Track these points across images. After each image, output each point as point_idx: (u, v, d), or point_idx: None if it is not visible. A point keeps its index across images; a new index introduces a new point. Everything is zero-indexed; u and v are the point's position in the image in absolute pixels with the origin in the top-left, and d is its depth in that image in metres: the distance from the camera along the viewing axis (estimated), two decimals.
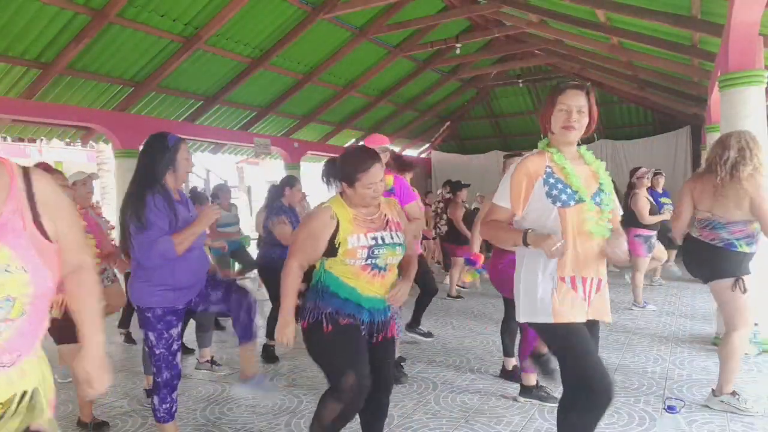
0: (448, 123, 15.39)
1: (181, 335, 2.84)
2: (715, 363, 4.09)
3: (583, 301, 2.16)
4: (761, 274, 4.43)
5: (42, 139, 12.04)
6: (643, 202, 5.98)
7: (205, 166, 21.46)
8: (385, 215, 2.38)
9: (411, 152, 15.74)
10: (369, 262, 2.26)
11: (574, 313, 2.14)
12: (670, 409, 3.26)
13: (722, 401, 3.26)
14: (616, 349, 4.61)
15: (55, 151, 15.01)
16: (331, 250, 2.27)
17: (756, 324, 4.28)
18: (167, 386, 2.73)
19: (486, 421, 3.25)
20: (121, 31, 6.63)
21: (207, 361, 4.46)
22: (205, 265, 2.87)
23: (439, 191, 9.27)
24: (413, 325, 5.00)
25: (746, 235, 3.17)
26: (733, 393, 3.25)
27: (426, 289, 4.80)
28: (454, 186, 7.79)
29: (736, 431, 3.00)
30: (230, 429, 3.33)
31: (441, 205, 8.22)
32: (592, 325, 2.23)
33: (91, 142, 9.02)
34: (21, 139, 13.35)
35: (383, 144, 3.63)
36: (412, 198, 3.61)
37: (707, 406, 3.32)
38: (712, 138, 7.58)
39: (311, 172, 11.89)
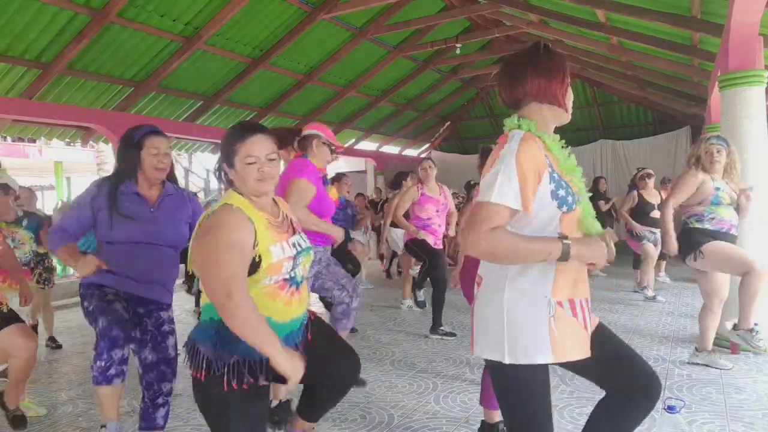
0: (448, 123, 15.41)
1: (119, 298, 2.55)
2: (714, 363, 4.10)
3: (584, 330, 1.70)
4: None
5: (42, 139, 12.05)
6: (628, 197, 6.60)
7: (205, 166, 21.52)
8: (287, 215, 1.98)
9: (411, 152, 15.75)
10: (288, 275, 1.83)
11: (575, 348, 1.66)
12: (670, 409, 3.26)
13: (738, 335, 3.74)
14: None
15: (54, 150, 14.97)
16: (252, 267, 1.75)
17: (756, 324, 4.29)
18: (104, 337, 2.40)
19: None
20: (121, 31, 6.63)
21: None
22: (160, 274, 2.63)
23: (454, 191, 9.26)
24: (435, 326, 5.07)
25: (694, 213, 3.89)
26: (751, 330, 3.67)
27: (437, 286, 4.96)
28: (467, 186, 7.82)
29: (736, 431, 3.00)
30: None
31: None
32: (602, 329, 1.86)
33: (91, 142, 9.02)
34: (21, 139, 13.35)
35: (337, 143, 3.58)
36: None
37: (727, 339, 4.06)
38: None
39: None
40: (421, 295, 6.03)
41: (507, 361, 1.62)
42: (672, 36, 6.57)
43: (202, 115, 9.17)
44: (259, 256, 1.75)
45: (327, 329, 2.22)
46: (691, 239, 3.82)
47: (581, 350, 1.68)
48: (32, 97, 6.91)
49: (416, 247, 5.40)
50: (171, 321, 2.69)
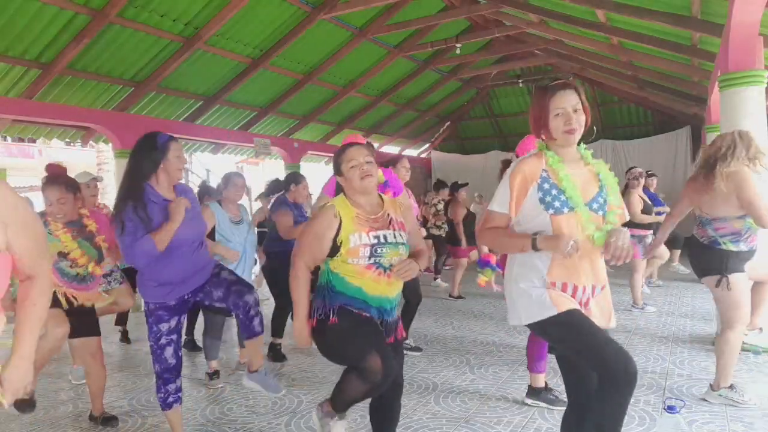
0: (448, 123, 15.40)
1: (175, 332, 2.84)
2: (716, 363, 4.10)
3: (578, 304, 2.10)
4: (763, 275, 4.44)
5: (42, 139, 12.03)
6: (635, 200, 6.04)
7: (205, 166, 21.48)
8: (389, 214, 2.38)
9: (411, 152, 15.74)
10: (372, 261, 2.25)
11: (574, 304, 2.07)
12: (670, 409, 3.26)
13: (720, 395, 3.34)
14: None
15: (54, 150, 14.98)
16: (334, 250, 2.27)
17: (761, 329, 4.27)
18: (159, 378, 2.85)
19: (486, 421, 3.25)
20: (121, 31, 6.63)
21: (211, 372, 4.21)
22: (199, 262, 2.85)
23: (430, 194, 9.23)
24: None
25: (730, 232, 3.23)
26: (731, 386, 3.33)
27: (412, 298, 4.55)
28: (453, 186, 7.81)
29: (736, 431, 3.00)
30: (230, 429, 3.33)
31: (440, 205, 8.17)
32: None
33: (91, 142, 9.02)
34: (21, 139, 13.35)
35: (360, 141, 3.58)
36: (401, 190, 3.70)
37: (705, 400, 3.38)
38: (712, 138, 7.58)
39: (311, 172, 11.88)
40: (411, 341, 4.89)
41: (523, 322, 2.12)
42: (672, 36, 6.57)
43: (202, 115, 9.16)
44: (341, 242, 2.25)
45: (400, 356, 2.52)
46: (726, 263, 3.22)
47: (577, 306, 2.07)
48: (32, 97, 6.90)
49: None
50: (217, 274, 2.95)
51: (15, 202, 1.41)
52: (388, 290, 2.33)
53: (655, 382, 3.80)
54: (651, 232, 6.01)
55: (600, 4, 6.11)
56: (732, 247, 3.22)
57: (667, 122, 12.83)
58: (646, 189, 6.50)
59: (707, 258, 3.31)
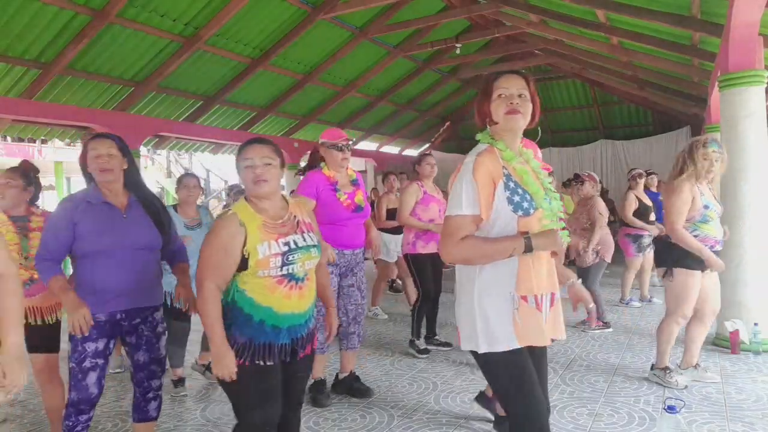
0: (448, 123, 15.40)
1: (101, 356, 2.44)
2: (715, 363, 4.10)
3: (544, 322, 1.92)
4: (761, 274, 4.45)
5: (43, 139, 12.05)
6: (630, 200, 6.18)
7: (205, 166, 21.51)
8: (295, 216, 2.17)
9: (411, 152, 15.74)
10: (285, 271, 2.04)
11: (537, 335, 1.89)
12: (670, 409, 3.25)
13: (654, 374, 3.77)
14: (616, 349, 4.61)
15: (54, 150, 14.98)
16: (242, 263, 2.02)
17: (756, 324, 4.31)
18: (73, 406, 2.44)
19: (486, 421, 3.25)
20: (121, 31, 6.63)
21: (203, 364, 4.14)
22: (142, 274, 2.51)
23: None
24: (430, 336, 4.85)
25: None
26: (665, 369, 3.71)
27: (433, 288, 4.62)
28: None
29: (736, 431, 3.01)
30: (230, 429, 3.32)
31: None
32: (540, 350, 2.00)
33: None
34: (21, 139, 13.35)
35: (341, 137, 3.49)
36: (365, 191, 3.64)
37: (647, 379, 3.83)
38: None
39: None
40: (423, 342, 4.77)
41: (481, 350, 1.88)
42: (672, 36, 6.57)
43: (202, 115, 9.16)
44: (248, 253, 2.01)
45: (305, 370, 2.30)
46: (672, 255, 3.56)
47: (542, 338, 1.92)
48: (32, 97, 6.91)
49: (415, 267, 4.68)
50: (162, 320, 2.67)
51: None
52: (299, 304, 2.11)
53: (655, 382, 3.79)
54: (648, 232, 6.07)
55: (600, 4, 6.11)
56: (681, 244, 3.51)
57: (667, 122, 12.84)
58: (647, 189, 6.53)
59: (660, 249, 3.78)
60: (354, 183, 3.57)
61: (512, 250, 1.81)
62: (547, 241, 1.83)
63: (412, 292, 5.38)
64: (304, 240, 2.12)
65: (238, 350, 2.04)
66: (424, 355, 4.59)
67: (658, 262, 3.76)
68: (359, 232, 3.56)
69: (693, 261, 3.49)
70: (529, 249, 1.81)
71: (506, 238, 1.83)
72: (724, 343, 4.45)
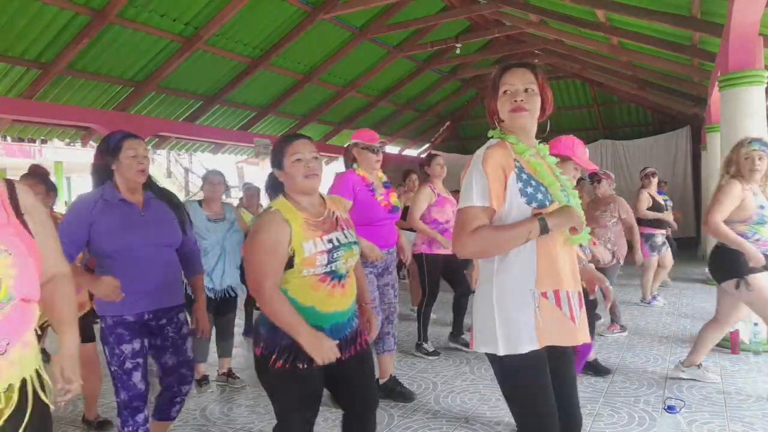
0: (448, 123, 15.41)
1: (140, 354, 2.45)
2: (715, 363, 4.10)
3: (570, 321, 1.79)
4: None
5: (43, 139, 12.05)
6: (644, 198, 6.20)
7: (205, 166, 21.53)
8: (334, 213, 2.13)
9: (411, 152, 15.75)
10: (329, 268, 2.00)
11: (561, 335, 1.78)
12: (670, 409, 3.26)
13: (683, 370, 3.81)
14: (616, 348, 4.61)
15: (54, 150, 14.99)
16: (288, 262, 1.97)
17: (756, 324, 4.30)
18: (126, 408, 2.45)
19: (486, 421, 3.25)
20: (121, 31, 6.64)
21: (224, 373, 4.13)
22: (166, 273, 2.52)
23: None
24: (456, 334, 4.88)
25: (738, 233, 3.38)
26: (699, 365, 3.76)
27: (460, 290, 4.72)
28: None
29: (736, 431, 3.01)
30: (230, 429, 3.33)
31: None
32: (566, 354, 1.89)
33: (91, 142, 9.02)
34: (21, 139, 13.35)
35: (376, 139, 3.50)
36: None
37: (679, 377, 3.82)
38: (712, 138, 7.59)
39: None
40: (430, 345, 4.73)
41: (501, 353, 1.76)
42: (672, 36, 6.57)
43: (202, 115, 9.16)
44: (293, 251, 1.95)
45: (367, 367, 2.23)
46: (739, 263, 3.32)
47: (567, 338, 1.81)
48: (32, 97, 6.91)
49: (427, 267, 4.67)
50: (187, 322, 2.67)
51: (33, 201, 1.51)
52: (341, 302, 2.07)
53: (655, 382, 3.80)
54: (662, 231, 6.16)
55: (600, 4, 6.11)
56: (716, 236, 3.39)
57: (667, 122, 12.83)
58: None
59: (719, 261, 3.48)
60: (386, 185, 3.59)
61: (528, 233, 1.70)
62: (563, 217, 1.74)
63: (416, 292, 5.36)
64: (345, 237, 2.10)
65: (280, 353, 1.97)
66: (435, 357, 4.59)
67: (725, 274, 3.45)
68: (393, 231, 3.60)
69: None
70: (545, 230, 1.71)
71: (520, 222, 1.73)
72: (724, 343, 4.44)
